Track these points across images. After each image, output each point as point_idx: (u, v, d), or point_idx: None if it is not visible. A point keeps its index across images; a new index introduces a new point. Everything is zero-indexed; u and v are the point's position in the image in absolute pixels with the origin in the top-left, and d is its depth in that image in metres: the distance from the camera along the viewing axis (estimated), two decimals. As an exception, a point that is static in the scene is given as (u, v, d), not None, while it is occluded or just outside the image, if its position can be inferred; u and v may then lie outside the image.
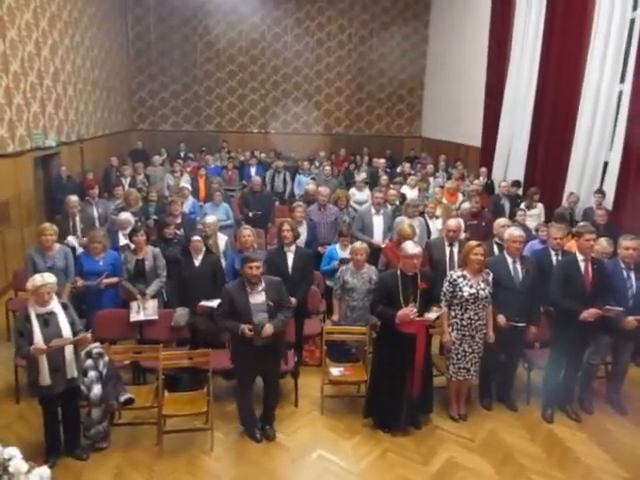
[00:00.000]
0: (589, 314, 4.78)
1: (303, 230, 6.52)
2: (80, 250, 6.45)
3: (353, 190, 9.12)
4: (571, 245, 5.95)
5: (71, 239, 6.69)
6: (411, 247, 4.65)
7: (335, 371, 5.20)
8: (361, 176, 9.54)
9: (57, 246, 5.63)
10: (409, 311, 4.50)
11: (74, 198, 7.03)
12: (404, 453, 4.63)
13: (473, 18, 13.22)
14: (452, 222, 6.04)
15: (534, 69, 10.28)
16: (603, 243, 5.43)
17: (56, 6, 9.95)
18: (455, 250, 5.90)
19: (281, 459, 4.54)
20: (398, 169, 12.42)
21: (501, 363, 5.28)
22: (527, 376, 5.47)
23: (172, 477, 4.27)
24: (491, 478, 4.37)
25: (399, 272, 4.68)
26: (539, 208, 8.48)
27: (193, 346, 5.30)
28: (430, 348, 4.93)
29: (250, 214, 8.50)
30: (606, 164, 8.47)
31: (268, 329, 4.38)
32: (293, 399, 5.30)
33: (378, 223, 7.13)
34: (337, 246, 6.37)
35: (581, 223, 6.27)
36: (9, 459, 2.65)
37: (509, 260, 5.10)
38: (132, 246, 5.82)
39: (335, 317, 5.71)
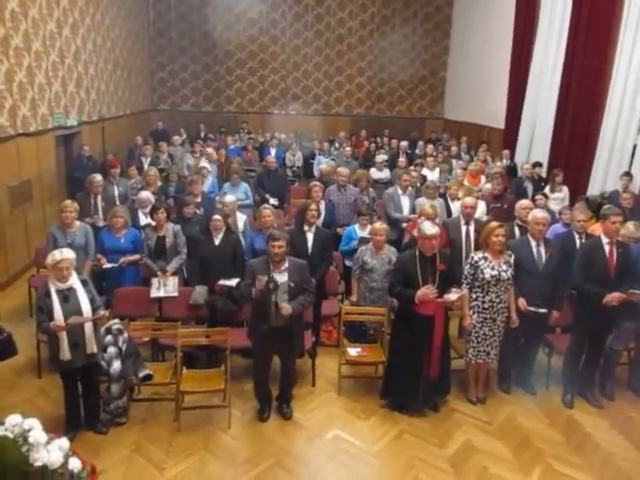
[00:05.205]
0: (613, 298, 4.68)
1: (321, 210, 6.48)
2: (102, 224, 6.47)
3: (373, 170, 9.15)
4: (594, 229, 5.82)
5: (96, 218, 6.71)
6: (428, 227, 4.57)
7: (353, 352, 5.18)
8: (381, 157, 9.46)
9: (77, 223, 5.67)
10: (429, 290, 4.46)
11: (99, 177, 7.04)
12: (421, 435, 4.61)
13: (499, -3, 12.90)
14: (469, 199, 6.03)
15: (561, 49, 10.00)
16: (630, 227, 5.27)
17: (77, -16, 9.94)
18: (471, 229, 5.84)
19: (297, 438, 4.56)
20: (417, 150, 12.29)
21: (521, 347, 5.21)
22: (547, 361, 5.39)
23: (189, 453, 4.31)
24: (508, 462, 4.33)
25: (417, 253, 4.62)
26: (564, 192, 8.30)
27: (211, 324, 5.32)
28: (448, 330, 4.88)
29: (271, 201, 8.40)
30: (635, 147, 8.26)
31: (287, 308, 4.36)
32: (310, 379, 5.30)
33: (405, 203, 7.32)
34: (356, 226, 6.35)
35: (606, 206, 6.12)
36: (29, 430, 2.69)
37: (533, 243, 5.00)
38: (153, 223, 5.86)
39: (353, 298, 5.67)
